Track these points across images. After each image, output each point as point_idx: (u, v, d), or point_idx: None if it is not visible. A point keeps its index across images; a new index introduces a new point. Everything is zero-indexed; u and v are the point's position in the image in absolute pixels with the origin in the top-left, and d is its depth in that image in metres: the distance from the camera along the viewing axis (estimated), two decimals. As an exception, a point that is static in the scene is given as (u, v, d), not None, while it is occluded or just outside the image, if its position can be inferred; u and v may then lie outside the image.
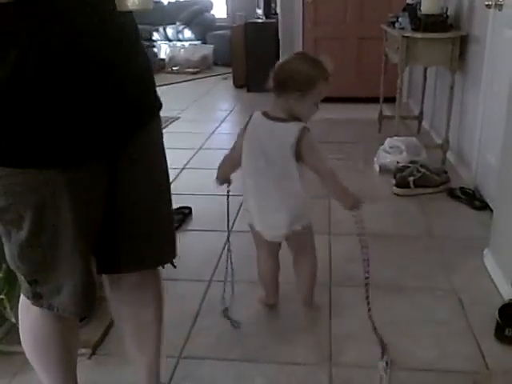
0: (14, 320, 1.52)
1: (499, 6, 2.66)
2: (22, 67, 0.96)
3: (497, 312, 1.83)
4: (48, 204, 1.08)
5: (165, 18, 8.45)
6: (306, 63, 1.69)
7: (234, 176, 1.92)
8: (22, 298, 1.25)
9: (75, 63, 1.01)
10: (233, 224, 2.68)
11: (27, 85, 0.98)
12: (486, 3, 2.75)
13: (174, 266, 1.89)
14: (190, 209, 2.82)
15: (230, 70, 6.61)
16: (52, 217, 1.09)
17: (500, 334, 1.80)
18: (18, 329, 1.56)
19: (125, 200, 1.22)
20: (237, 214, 2.80)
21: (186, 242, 2.53)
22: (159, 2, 8.86)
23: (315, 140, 1.69)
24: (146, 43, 5.87)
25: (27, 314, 1.27)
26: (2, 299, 1.51)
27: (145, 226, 1.27)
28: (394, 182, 3.08)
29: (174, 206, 2.71)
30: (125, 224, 1.24)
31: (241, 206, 2.90)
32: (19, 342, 1.70)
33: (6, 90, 0.97)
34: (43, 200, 1.07)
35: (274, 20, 5.88)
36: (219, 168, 1.92)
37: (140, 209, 1.25)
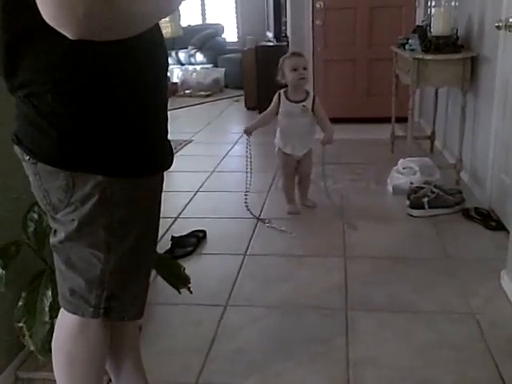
0: (32, 348, 1.53)
1: (509, 28, 2.67)
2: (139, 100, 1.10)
3: (516, 335, 1.81)
4: (154, 207, 1.22)
5: (177, 42, 8.58)
6: (280, 59, 2.97)
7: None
8: (75, 321, 1.23)
9: (161, 90, 1.17)
10: (247, 246, 2.69)
11: (148, 111, 1.13)
12: (496, 24, 2.77)
13: (191, 292, 1.92)
14: (204, 232, 2.82)
15: (241, 92, 6.68)
16: (154, 220, 1.24)
17: (520, 358, 1.77)
18: (35, 356, 1.58)
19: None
20: (252, 236, 2.81)
21: (200, 265, 2.54)
22: (171, 27, 9.00)
23: (274, 98, 3.01)
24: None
25: (84, 335, 1.26)
26: (22, 327, 1.52)
27: None
28: (407, 203, 3.07)
29: (189, 229, 2.78)
30: None
31: (255, 228, 2.91)
32: (36, 369, 1.74)
33: (136, 118, 1.11)
34: (152, 203, 1.21)
35: (284, 43, 5.94)
36: None
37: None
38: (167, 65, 1.22)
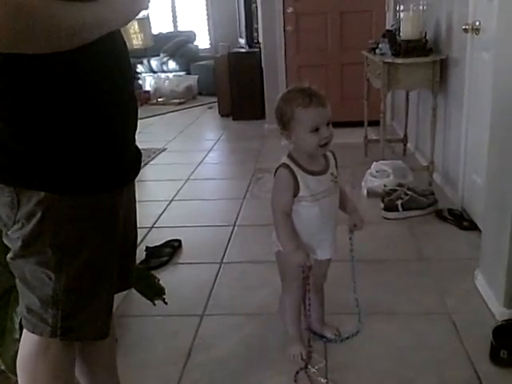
0: (3, 367, 1.49)
1: (476, 31, 2.72)
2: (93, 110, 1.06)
3: (491, 334, 1.83)
4: (110, 223, 1.16)
5: (149, 50, 8.53)
6: (281, 100, 1.66)
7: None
8: (36, 340, 1.19)
9: (115, 101, 1.11)
10: (223, 255, 2.67)
11: (99, 124, 1.08)
12: (464, 27, 2.81)
13: (165, 303, 1.89)
14: (179, 241, 2.80)
15: (214, 99, 6.66)
16: (112, 236, 1.17)
17: (495, 357, 1.78)
18: (7, 374, 1.54)
19: (129, 223, 1.30)
20: (227, 244, 2.79)
21: (176, 275, 2.51)
22: (143, 35, 8.95)
23: (284, 180, 1.65)
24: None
25: (45, 355, 1.21)
26: (-9, 345, 1.48)
27: (134, 246, 1.41)
28: (382, 205, 3.09)
29: (164, 239, 2.75)
30: (128, 244, 1.33)
31: (231, 236, 2.89)
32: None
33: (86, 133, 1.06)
34: (107, 220, 1.14)
35: (256, 49, 5.96)
36: None
37: (135, 231, 1.37)
38: (125, 75, 1.16)
